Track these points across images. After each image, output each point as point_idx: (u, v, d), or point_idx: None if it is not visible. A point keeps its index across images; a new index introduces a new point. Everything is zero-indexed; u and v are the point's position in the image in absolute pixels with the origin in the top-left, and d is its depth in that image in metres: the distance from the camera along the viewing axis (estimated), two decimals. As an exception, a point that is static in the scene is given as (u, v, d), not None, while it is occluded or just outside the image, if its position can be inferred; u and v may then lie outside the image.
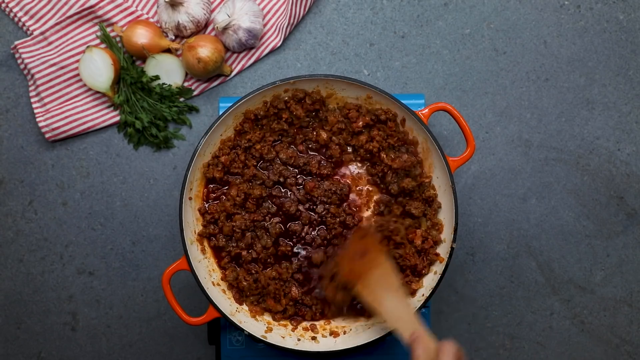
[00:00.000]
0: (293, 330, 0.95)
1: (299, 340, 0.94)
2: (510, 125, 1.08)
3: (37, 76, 1.05)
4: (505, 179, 1.08)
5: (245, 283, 0.94)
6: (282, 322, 0.95)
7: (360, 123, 0.95)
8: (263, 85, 0.93)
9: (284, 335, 0.94)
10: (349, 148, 0.97)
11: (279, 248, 0.95)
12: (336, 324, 0.96)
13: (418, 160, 0.95)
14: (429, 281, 0.93)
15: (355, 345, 0.91)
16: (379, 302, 0.86)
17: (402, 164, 0.93)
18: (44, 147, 1.08)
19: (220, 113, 0.93)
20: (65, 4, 1.06)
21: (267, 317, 0.95)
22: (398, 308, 0.85)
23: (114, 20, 1.05)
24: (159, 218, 1.08)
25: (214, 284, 0.94)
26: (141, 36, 1.02)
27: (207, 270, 0.95)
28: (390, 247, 0.94)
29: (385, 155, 0.94)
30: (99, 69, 1.02)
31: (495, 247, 1.08)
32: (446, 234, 0.94)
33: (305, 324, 0.96)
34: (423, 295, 0.92)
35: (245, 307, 0.95)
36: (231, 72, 1.07)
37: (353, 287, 0.88)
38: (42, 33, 1.05)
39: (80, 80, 1.05)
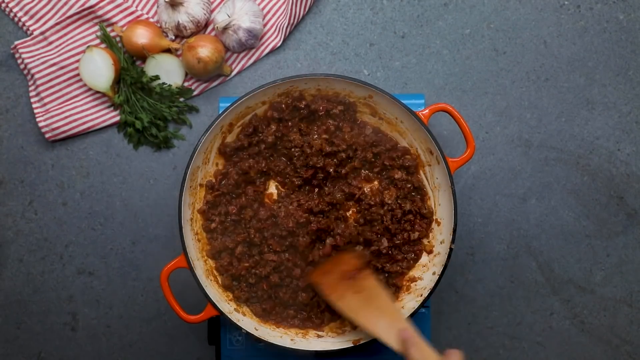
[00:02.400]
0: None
1: (299, 339, 0.94)
2: (510, 125, 1.08)
3: (37, 76, 1.05)
4: (505, 179, 1.08)
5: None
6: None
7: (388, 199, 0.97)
8: (263, 84, 0.93)
9: (281, 335, 0.94)
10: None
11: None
12: (336, 324, 0.96)
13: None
14: (428, 281, 0.93)
15: (358, 343, 0.90)
16: (371, 323, 0.85)
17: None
18: (44, 147, 1.08)
19: (220, 112, 0.93)
20: (65, 4, 1.06)
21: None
22: (391, 326, 0.83)
23: (114, 20, 1.05)
24: (159, 218, 1.08)
25: (212, 282, 0.94)
26: (141, 36, 1.02)
27: (205, 268, 0.95)
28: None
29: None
30: (99, 69, 1.02)
31: (495, 247, 1.08)
32: (445, 235, 0.94)
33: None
34: (422, 295, 0.92)
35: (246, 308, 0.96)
36: (231, 72, 1.07)
37: (334, 302, 0.89)
38: (42, 33, 1.05)
39: (80, 80, 1.05)
